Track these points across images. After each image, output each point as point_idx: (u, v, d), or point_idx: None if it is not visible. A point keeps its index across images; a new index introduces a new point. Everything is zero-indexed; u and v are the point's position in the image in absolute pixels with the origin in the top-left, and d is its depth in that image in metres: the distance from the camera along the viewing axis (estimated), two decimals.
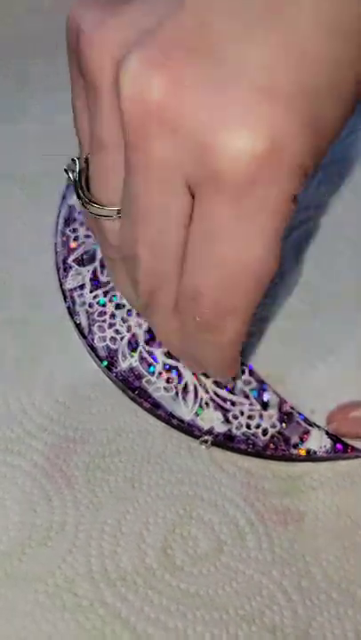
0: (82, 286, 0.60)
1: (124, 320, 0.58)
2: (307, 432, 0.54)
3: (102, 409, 0.57)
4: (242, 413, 0.54)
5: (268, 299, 0.57)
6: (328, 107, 0.36)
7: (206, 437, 0.54)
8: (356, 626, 0.47)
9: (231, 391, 0.55)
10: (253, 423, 0.54)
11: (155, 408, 0.55)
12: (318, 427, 0.54)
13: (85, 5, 0.42)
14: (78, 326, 0.59)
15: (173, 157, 0.36)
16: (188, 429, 0.55)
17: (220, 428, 0.54)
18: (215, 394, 0.55)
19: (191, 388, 0.55)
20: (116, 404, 0.58)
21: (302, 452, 0.53)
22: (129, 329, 0.58)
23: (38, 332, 0.62)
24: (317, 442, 0.53)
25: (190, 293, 0.41)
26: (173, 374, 0.56)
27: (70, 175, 0.47)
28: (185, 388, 0.55)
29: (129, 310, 0.59)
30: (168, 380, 0.56)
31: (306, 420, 0.54)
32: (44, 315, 0.63)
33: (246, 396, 0.55)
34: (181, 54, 0.35)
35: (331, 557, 0.50)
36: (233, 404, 0.55)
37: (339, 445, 0.53)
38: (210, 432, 0.54)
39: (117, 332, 0.58)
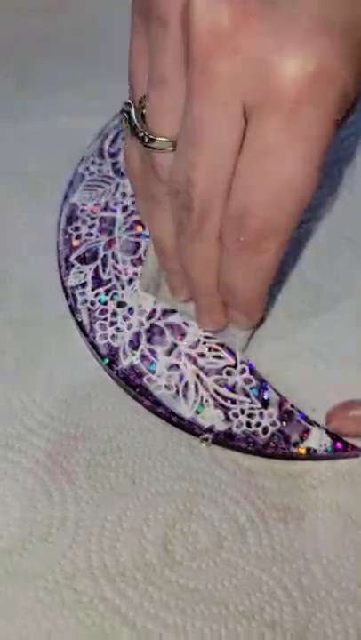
0: (83, 284, 0.60)
1: (125, 318, 0.58)
2: (307, 431, 0.53)
3: (103, 407, 0.57)
4: (242, 412, 0.54)
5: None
6: None
7: (207, 435, 0.53)
8: (357, 623, 0.47)
9: (232, 389, 0.54)
10: (254, 421, 0.53)
11: (155, 406, 0.55)
12: (318, 425, 0.54)
13: None
14: (80, 324, 0.59)
15: (235, 77, 0.39)
16: (189, 427, 0.54)
17: (221, 426, 0.53)
18: (216, 392, 0.54)
19: (192, 386, 0.55)
20: (117, 402, 0.57)
21: (302, 451, 0.53)
22: (130, 327, 0.57)
23: (39, 330, 0.61)
24: (318, 440, 0.53)
25: (238, 213, 0.44)
26: (174, 372, 0.55)
27: (126, 114, 0.49)
28: (186, 387, 0.55)
29: (130, 308, 0.58)
30: (169, 379, 0.55)
31: (306, 418, 0.54)
32: (44, 314, 0.62)
33: (247, 395, 0.54)
34: None
35: (331, 555, 0.50)
36: (233, 402, 0.54)
37: (339, 444, 0.53)
38: (210, 430, 0.53)
39: (119, 329, 0.58)
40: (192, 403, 0.54)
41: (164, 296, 0.59)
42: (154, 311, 0.58)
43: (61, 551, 0.50)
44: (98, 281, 0.60)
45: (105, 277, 0.60)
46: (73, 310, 0.59)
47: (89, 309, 0.59)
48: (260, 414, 0.54)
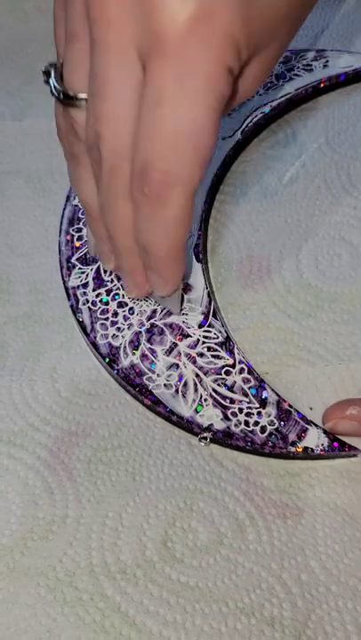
0: (85, 285, 0.60)
1: (125, 318, 0.58)
2: (304, 430, 0.53)
3: (103, 405, 0.57)
4: (241, 411, 0.53)
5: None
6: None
7: (205, 434, 0.53)
8: (356, 618, 0.46)
9: (231, 389, 0.54)
10: (252, 421, 0.53)
11: (155, 405, 0.54)
12: (316, 425, 0.53)
13: None
14: (81, 324, 0.58)
15: (125, 23, 0.39)
16: (188, 426, 0.54)
17: (219, 425, 0.53)
18: (214, 391, 0.54)
19: (191, 385, 0.54)
20: (118, 401, 0.57)
21: (300, 450, 0.52)
22: (131, 327, 0.57)
23: (42, 328, 0.61)
24: (315, 440, 0.52)
25: (141, 166, 0.43)
26: (174, 372, 0.55)
27: (45, 75, 0.50)
28: (185, 386, 0.54)
29: (131, 309, 0.58)
30: (168, 378, 0.55)
31: (304, 417, 0.53)
32: (47, 311, 0.62)
33: (245, 394, 0.54)
34: None
35: (330, 551, 0.49)
36: (232, 401, 0.54)
37: (336, 443, 0.52)
38: (209, 429, 0.53)
39: (119, 329, 0.57)
40: (191, 402, 0.54)
41: None
42: (154, 311, 0.57)
43: (62, 548, 0.49)
44: (99, 281, 0.60)
45: (106, 278, 0.60)
46: (74, 310, 0.59)
47: (90, 309, 0.59)
48: (259, 414, 0.53)
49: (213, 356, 0.56)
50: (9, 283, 0.64)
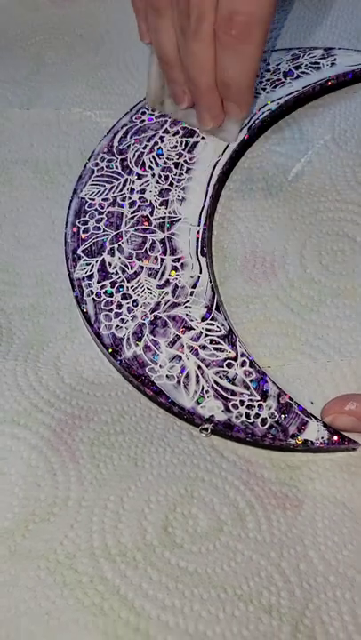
0: (90, 276, 0.60)
1: (129, 310, 0.58)
2: (305, 423, 0.52)
3: (107, 394, 0.56)
4: (242, 403, 0.53)
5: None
6: None
7: (206, 425, 0.53)
8: (353, 609, 0.46)
9: (232, 381, 0.54)
10: (253, 413, 0.53)
11: (157, 396, 0.54)
12: (316, 418, 0.53)
13: None
14: (85, 315, 0.58)
15: None
16: (189, 417, 0.54)
17: (220, 416, 0.53)
18: (216, 383, 0.54)
19: (193, 377, 0.54)
20: (120, 391, 0.57)
21: (299, 443, 0.52)
22: (134, 319, 0.57)
23: (47, 318, 0.61)
24: (315, 433, 0.52)
25: (228, 12, 0.52)
26: (176, 363, 0.55)
27: None
28: (187, 378, 0.54)
29: (135, 300, 0.58)
30: (171, 369, 0.55)
31: (304, 411, 0.53)
32: (53, 302, 0.62)
33: (246, 387, 0.54)
34: None
35: (329, 542, 0.49)
36: (233, 393, 0.53)
37: (336, 437, 0.52)
38: (210, 420, 0.53)
39: (123, 321, 0.57)
40: (193, 393, 0.54)
41: (168, 108, 0.68)
42: (158, 304, 0.57)
43: (63, 531, 0.49)
44: (104, 273, 0.60)
45: (111, 270, 0.60)
46: (79, 301, 0.59)
47: (94, 301, 0.59)
48: (260, 406, 0.53)
49: (216, 349, 0.55)
50: (16, 275, 0.64)
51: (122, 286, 0.59)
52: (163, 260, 0.60)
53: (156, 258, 0.60)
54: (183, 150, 0.66)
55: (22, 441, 0.53)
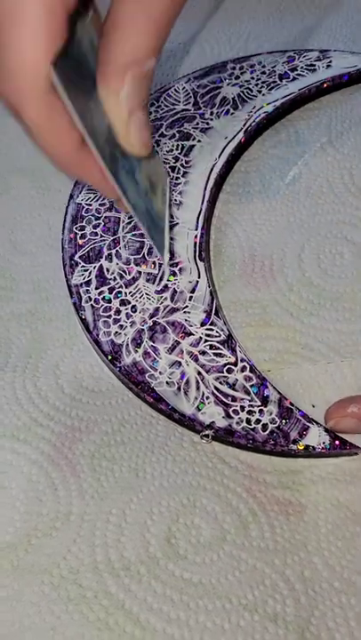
0: (88, 282, 0.60)
1: (128, 316, 0.57)
2: (306, 429, 0.52)
3: (107, 402, 0.56)
4: (242, 409, 0.53)
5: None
6: None
7: (207, 432, 0.53)
8: (359, 615, 0.46)
9: (232, 387, 0.54)
10: (254, 419, 0.53)
11: (157, 402, 0.54)
12: (318, 423, 0.53)
13: None
14: (83, 321, 0.58)
15: None
16: (190, 424, 0.53)
17: (221, 422, 0.53)
18: (216, 389, 0.54)
19: (193, 383, 0.54)
20: (120, 398, 0.57)
21: (301, 448, 0.52)
22: (133, 325, 0.57)
23: (45, 325, 0.61)
24: (316, 438, 0.52)
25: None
26: (176, 370, 0.55)
27: None
28: (187, 384, 0.54)
29: (133, 306, 0.58)
30: (171, 376, 0.54)
31: (305, 416, 0.53)
32: (50, 309, 0.62)
33: (247, 392, 0.54)
34: None
35: (333, 547, 0.49)
36: (234, 399, 0.53)
37: (337, 442, 0.52)
38: (211, 427, 0.52)
39: (122, 327, 0.57)
40: (193, 400, 0.54)
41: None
42: (157, 309, 0.57)
43: (66, 545, 0.49)
44: (102, 279, 0.60)
45: (109, 276, 0.60)
46: (77, 307, 0.59)
47: (93, 307, 0.58)
48: (260, 411, 0.53)
49: (215, 354, 0.55)
50: (12, 280, 0.63)
51: (120, 292, 0.59)
52: (161, 264, 0.59)
53: (153, 263, 0.60)
54: (179, 154, 0.66)
55: (22, 456, 0.53)
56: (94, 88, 0.44)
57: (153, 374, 0.55)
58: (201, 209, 0.63)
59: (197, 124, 0.68)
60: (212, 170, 0.65)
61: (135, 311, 0.58)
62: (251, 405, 0.53)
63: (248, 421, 0.53)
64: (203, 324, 0.57)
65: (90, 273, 0.60)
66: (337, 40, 0.80)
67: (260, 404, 0.53)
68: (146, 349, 0.56)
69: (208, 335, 0.56)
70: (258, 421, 0.53)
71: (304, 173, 0.68)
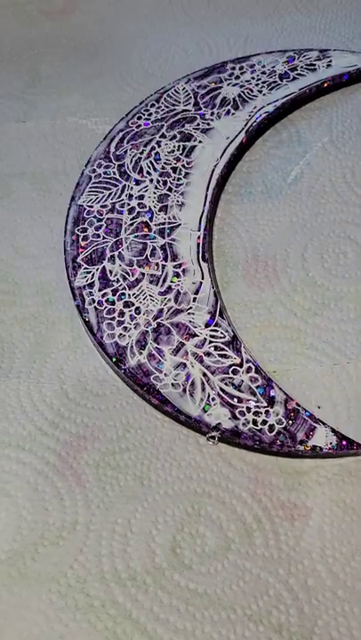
0: (91, 284, 0.60)
1: (132, 318, 0.57)
2: (313, 429, 0.52)
3: (111, 405, 0.56)
4: (249, 410, 0.53)
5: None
6: None
7: (214, 433, 0.52)
8: None
9: (238, 388, 0.53)
10: (260, 419, 0.53)
11: (162, 404, 0.54)
12: (324, 424, 0.52)
13: None
14: (87, 324, 0.58)
15: None
16: (196, 425, 0.53)
17: (228, 424, 0.53)
18: (222, 390, 0.54)
19: (198, 384, 0.54)
20: (125, 401, 0.57)
21: (308, 449, 0.51)
22: (137, 326, 0.57)
23: (48, 328, 0.61)
24: (323, 438, 0.52)
25: None
26: (181, 371, 0.54)
27: None
28: (192, 385, 0.54)
29: (137, 308, 0.58)
30: (176, 377, 0.54)
31: (312, 416, 0.53)
32: (54, 312, 0.62)
33: (253, 393, 0.53)
34: None
35: (337, 554, 0.49)
36: (240, 400, 0.53)
37: (344, 442, 0.52)
38: (217, 428, 0.52)
39: (126, 329, 0.57)
40: (199, 401, 0.54)
41: None
42: (161, 311, 0.57)
43: (73, 555, 0.49)
44: (105, 281, 0.59)
45: (112, 278, 0.59)
46: (80, 310, 0.59)
47: (96, 309, 0.58)
48: (267, 412, 0.53)
49: (220, 356, 0.55)
50: (15, 284, 0.63)
51: (123, 294, 0.59)
52: (164, 266, 0.59)
53: (157, 264, 0.59)
54: (181, 155, 0.65)
55: (28, 466, 0.54)
56: None
57: (158, 376, 0.55)
58: (203, 210, 0.63)
59: (198, 124, 0.68)
60: (213, 170, 0.65)
61: (139, 313, 0.58)
62: (257, 406, 0.53)
63: (255, 422, 0.53)
64: (207, 326, 0.57)
65: (93, 275, 0.60)
66: (336, 40, 0.80)
67: (266, 404, 0.53)
68: (150, 351, 0.56)
69: (213, 336, 0.56)
70: (264, 422, 0.53)
71: (306, 173, 0.67)
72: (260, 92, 0.70)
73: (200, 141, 0.67)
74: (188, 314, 0.57)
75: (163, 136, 0.67)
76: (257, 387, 0.54)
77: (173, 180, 0.64)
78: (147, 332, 0.57)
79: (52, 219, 0.67)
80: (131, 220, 0.62)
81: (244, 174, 0.68)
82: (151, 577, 0.48)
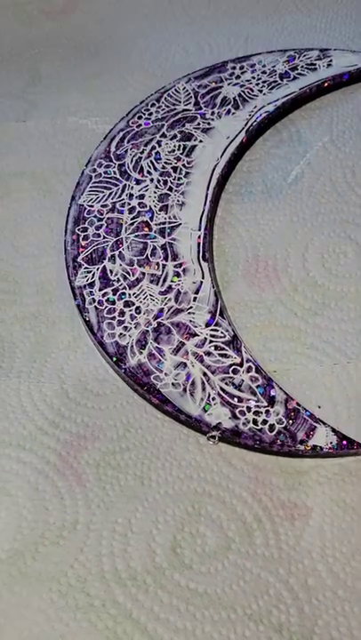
0: (91, 284, 0.60)
1: (132, 317, 0.57)
2: (313, 429, 0.52)
3: (111, 405, 0.56)
4: (249, 409, 0.53)
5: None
6: None
7: (214, 433, 0.52)
8: None
9: (238, 388, 0.53)
10: (260, 419, 0.53)
11: (163, 404, 0.54)
12: (325, 423, 0.53)
13: None
14: (87, 323, 0.58)
15: None
16: (196, 425, 0.54)
17: (228, 423, 0.53)
18: (222, 390, 0.54)
19: (199, 384, 0.54)
20: (125, 400, 0.57)
21: (308, 448, 0.51)
22: (137, 326, 0.57)
23: (49, 328, 0.61)
24: (323, 438, 0.52)
25: None
26: (182, 371, 0.54)
27: None
28: (193, 385, 0.54)
29: (138, 308, 0.58)
30: (176, 377, 0.54)
31: (312, 416, 0.53)
32: (54, 311, 0.62)
33: (253, 393, 0.54)
34: None
35: (337, 554, 0.49)
36: (240, 400, 0.53)
37: (345, 442, 0.52)
38: (217, 428, 0.52)
39: (126, 328, 0.57)
40: (199, 401, 0.54)
41: None
42: (161, 310, 0.57)
43: (73, 554, 0.49)
44: (105, 281, 0.59)
45: (112, 277, 0.60)
46: (81, 309, 0.59)
47: (97, 309, 0.58)
48: (267, 412, 0.53)
49: (221, 355, 0.55)
50: (15, 284, 0.64)
51: (124, 293, 0.59)
52: (164, 265, 0.59)
53: (157, 264, 0.59)
54: (181, 154, 0.66)
55: (28, 465, 0.54)
56: None
57: (158, 375, 0.55)
58: (203, 209, 0.63)
59: (199, 124, 0.68)
60: (214, 170, 0.65)
61: (139, 312, 0.58)
62: (257, 406, 0.53)
63: (255, 422, 0.53)
64: (207, 325, 0.57)
65: (93, 275, 0.60)
66: (337, 39, 0.80)
67: (266, 404, 0.53)
68: (151, 351, 0.56)
69: (213, 336, 0.56)
70: (265, 422, 0.53)
71: (306, 173, 0.68)
72: (261, 91, 0.70)
73: (200, 141, 0.67)
74: (189, 313, 0.57)
75: (163, 135, 0.67)
76: (257, 386, 0.54)
77: (174, 179, 0.65)
78: (147, 331, 0.57)
79: (53, 218, 0.67)
80: (131, 219, 0.62)
81: (244, 174, 0.68)
82: (151, 576, 0.48)
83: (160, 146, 0.67)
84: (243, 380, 0.54)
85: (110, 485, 0.52)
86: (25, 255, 0.65)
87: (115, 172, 0.66)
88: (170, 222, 0.62)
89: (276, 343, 0.58)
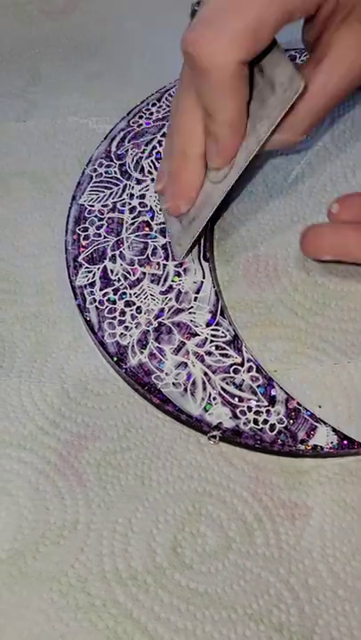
0: (92, 284, 0.60)
1: (133, 317, 0.58)
2: (314, 428, 0.52)
3: (112, 405, 0.57)
4: (249, 409, 0.53)
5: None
6: None
7: (214, 433, 0.53)
8: None
9: (239, 387, 0.54)
10: (261, 419, 0.53)
11: (163, 404, 0.54)
12: (325, 423, 0.53)
13: None
14: (88, 323, 0.58)
15: None
16: (197, 425, 0.54)
17: (228, 423, 0.53)
18: (223, 390, 0.54)
19: (199, 384, 0.54)
20: (126, 400, 0.57)
21: (309, 448, 0.52)
22: (138, 326, 0.57)
23: (49, 328, 0.61)
24: (324, 438, 0.52)
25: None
26: (182, 370, 0.55)
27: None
28: (193, 385, 0.54)
29: (138, 307, 0.58)
30: (177, 377, 0.54)
31: (313, 415, 0.53)
32: (55, 311, 0.62)
33: (254, 392, 0.54)
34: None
35: (337, 554, 0.49)
36: (241, 399, 0.54)
37: (345, 442, 0.52)
38: (218, 428, 0.52)
39: (127, 328, 0.57)
40: (200, 400, 0.54)
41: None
42: (162, 310, 0.57)
43: (74, 554, 0.50)
44: (106, 281, 0.60)
45: (113, 277, 0.60)
46: (82, 309, 0.59)
47: (97, 308, 0.59)
48: (268, 412, 0.53)
49: (221, 355, 0.56)
50: (16, 283, 0.64)
51: (125, 293, 0.59)
52: (165, 265, 0.59)
53: (158, 263, 0.59)
54: None
55: (29, 465, 0.54)
56: None
57: (159, 375, 0.55)
58: None
59: None
60: None
61: (140, 312, 0.58)
62: (258, 406, 0.53)
63: (255, 422, 0.53)
64: (208, 325, 0.57)
65: (94, 274, 0.60)
66: None
67: (267, 404, 0.53)
68: (151, 350, 0.56)
69: (214, 336, 0.56)
70: (265, 422, 0.53)
71: (307, 172, 0.68)
72: None
73: None
74: (190, 313, 0.57)
75: (164, 135, 0.67)
76: (258, 386, 0.54)
77: None
78: (148, 331, 0.57)
79: (53, 218, 0.67)
80: (132, 219, 0.63)
81: (245, 173, 0.68)
82: (152, 576, 0.48)
83: (161, 145, 0.67)
84: (243, 380, 0.54)
85: (111, 485, 0.52)
86: (25, 255, 0.65)
87: (115, 172, 0.66)
88: None
89: (277, 343, 0.58)
